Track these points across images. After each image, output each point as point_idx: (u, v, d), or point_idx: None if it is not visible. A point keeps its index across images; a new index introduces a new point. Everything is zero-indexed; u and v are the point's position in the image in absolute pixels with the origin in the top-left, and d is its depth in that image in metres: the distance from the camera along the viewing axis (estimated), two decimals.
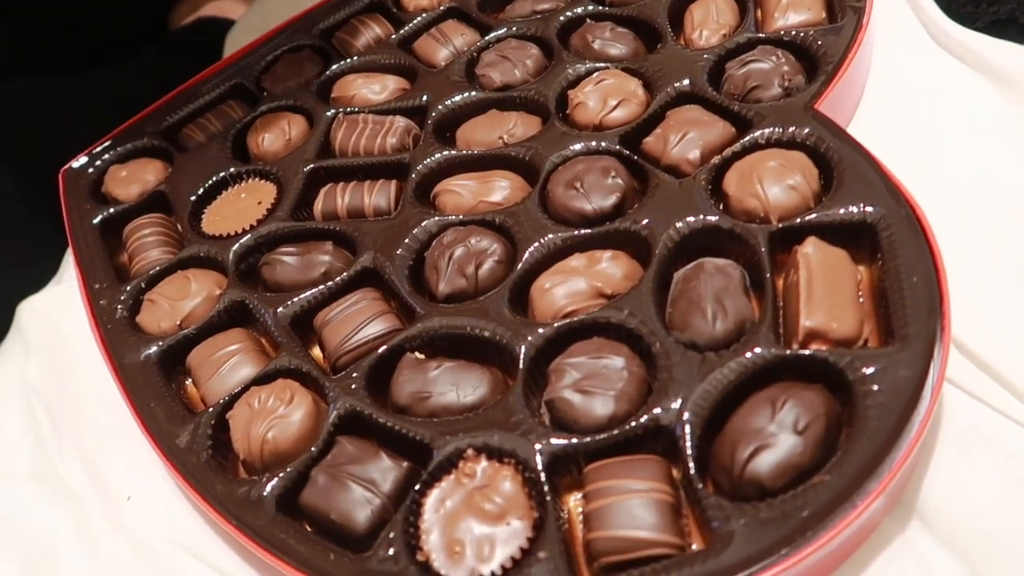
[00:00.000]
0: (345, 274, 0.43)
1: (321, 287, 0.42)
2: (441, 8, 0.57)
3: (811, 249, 0.36)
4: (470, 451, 0.34)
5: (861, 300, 0.35)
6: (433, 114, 0.50)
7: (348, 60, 0.56)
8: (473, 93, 0.50)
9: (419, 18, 0.57)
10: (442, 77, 0.52)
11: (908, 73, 0.46)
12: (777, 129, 0.41)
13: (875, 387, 0.31)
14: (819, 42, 0.44)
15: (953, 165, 0.41)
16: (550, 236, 0.41)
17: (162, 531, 0.38)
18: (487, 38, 0.53)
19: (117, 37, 0.77)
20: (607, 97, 0.46)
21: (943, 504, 0.31)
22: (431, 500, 0.33)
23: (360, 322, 0.40)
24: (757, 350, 0.33)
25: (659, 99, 0.45)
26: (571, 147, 0.44)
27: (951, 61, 0.45)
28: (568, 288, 0.39)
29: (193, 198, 0.50)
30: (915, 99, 0.45)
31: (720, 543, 0.29)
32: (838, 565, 0.30)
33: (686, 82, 0.46)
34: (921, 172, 0.41)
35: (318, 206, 0.47)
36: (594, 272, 0.39)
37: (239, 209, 0.49)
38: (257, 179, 0.50)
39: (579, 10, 0.53)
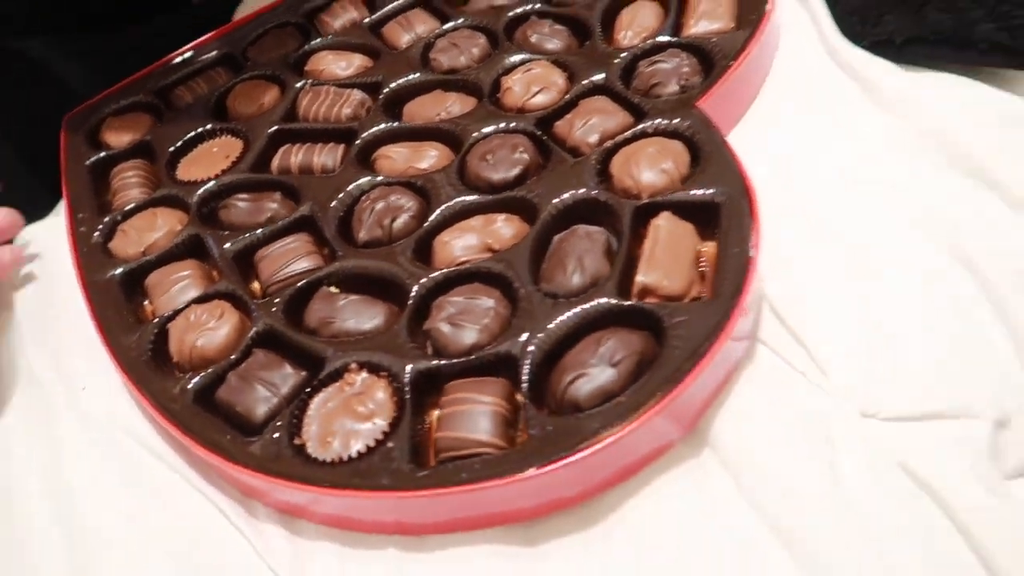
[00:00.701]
0: (286, 220, 0.50)
1: (264, 229, 0.50)
2: None
3: (663, 222, 0.42)
4: (353, 365, 0.41)
5: (703, 267, 0.41)
6: (385, 90, 0.57)
7: (323, 38, 0.63)
8: (419, 74, 0.57)
9: (390, 5, 0.64)
10: (400, 58, 0.59)
11: (800, 81, 0.51)
12: (662, 121, 0.47)
13: (681, 332, 0.37)
14: (718, 47, 0.50)
15: (818, 162, 0.47)
16: (457, 199, 0.47)
17: (110, 416, 0.46)
18: (444, 27, 0.60)
19: (136, 4, 0.82)
20: (531, 84, 0.53)
21: (731, 436, 0.37)
22: (316, 401, 0.40)
23: (289, 259, 0.47)
24: (599, 300, 0.40)
25: (575, 89, 0.52)
26: (493, 125, 0.51)
27: (838, 74, 0.51)
28: (463, 242, 0.45)
29: (172, 149, 0.57)
30: (801, 104, 0.50)
31: (527, 444, 0.35)
32: (628, 476, 0.36)
33: (601, 76, 0.52)
34: (784, 166, 0.47)
35: (275, 162, 0.54)
36: (488, 231, 0.45)
37: (210, 161, 0.56)
38: (229, 136, 0.57)
39: (527, 7, 0.59)
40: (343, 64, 0.61)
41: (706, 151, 0.45)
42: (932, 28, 0.48)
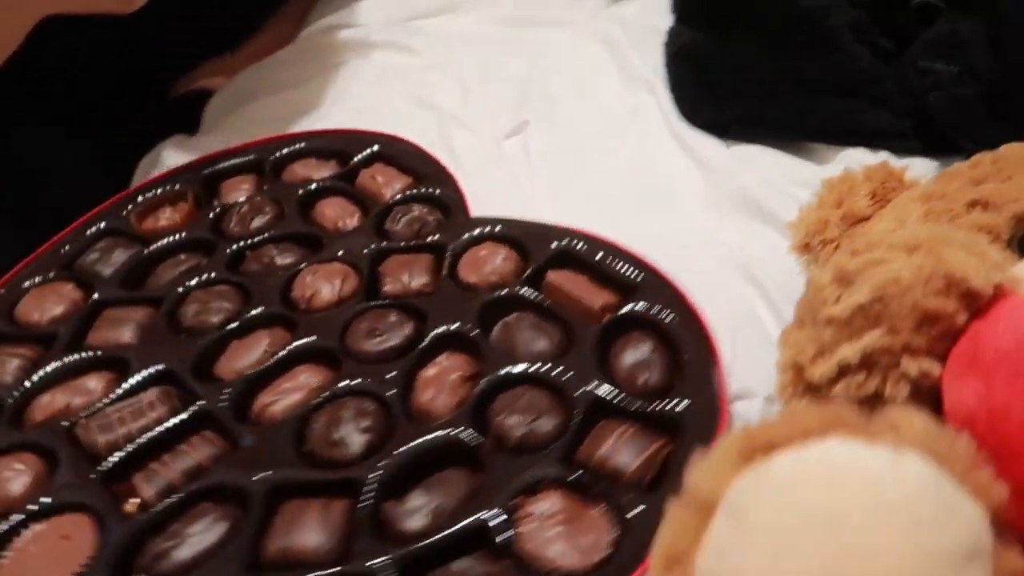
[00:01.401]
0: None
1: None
2: None
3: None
4: None
5: None
6: None
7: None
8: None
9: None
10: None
11: (647, 156, 0.65)
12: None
13: None
14: None
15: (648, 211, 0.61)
16: None
17: None
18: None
19: (123, 101, 0.93)
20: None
21: None
22: None
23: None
24: None
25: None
26: None
27: (677, 150, 0.65)
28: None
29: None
30: (646, 176, 0.64)
31: None
32: None
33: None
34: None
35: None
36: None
37: None
38: None
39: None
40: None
41: None
42: (738, 114, 0.63)
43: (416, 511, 0.42)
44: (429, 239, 0.58)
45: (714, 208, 0.59)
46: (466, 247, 0.57)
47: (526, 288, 0.53)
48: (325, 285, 0.55)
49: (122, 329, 0.54)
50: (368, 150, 0.69)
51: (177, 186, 0.68)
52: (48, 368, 0.52)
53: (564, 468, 0.42)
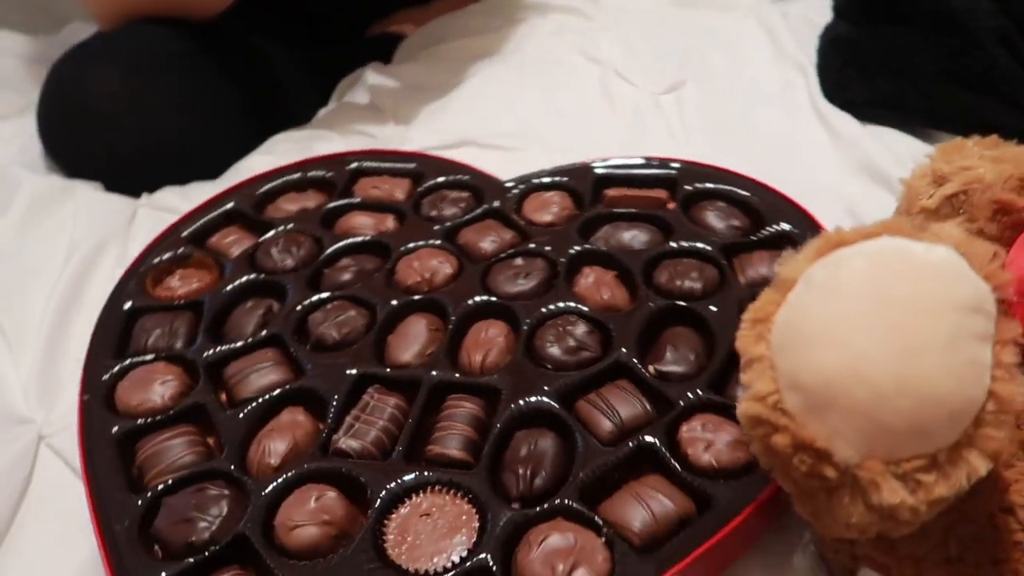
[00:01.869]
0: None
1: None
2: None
3: None
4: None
5: None
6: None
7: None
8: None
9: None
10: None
11: (788, 122, 0.73)
12: None
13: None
14: None
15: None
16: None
17: None
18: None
19: (329, 31, 1.06)
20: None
21: None
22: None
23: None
24: None
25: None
26: None
27: (816, 121, 0.72)
28: None
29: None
30: (785, 139, 0.71)
31: None
32: None
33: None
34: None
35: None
36: None
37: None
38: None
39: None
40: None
41: None
42: (879, 95, 0.70)
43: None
44: (484, 208, 0.63)
45: (840, 170, 0.66)
46: (522, 198, 0.63)
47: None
48: (435, 265, 0.57)
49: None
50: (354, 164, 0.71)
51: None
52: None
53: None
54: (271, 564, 0.41)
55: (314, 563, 0.41)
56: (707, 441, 0.44)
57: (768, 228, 0.57)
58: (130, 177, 0.75)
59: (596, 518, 0.42)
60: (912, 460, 0.30)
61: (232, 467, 0.46)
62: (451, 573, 0.40)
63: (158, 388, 0.50)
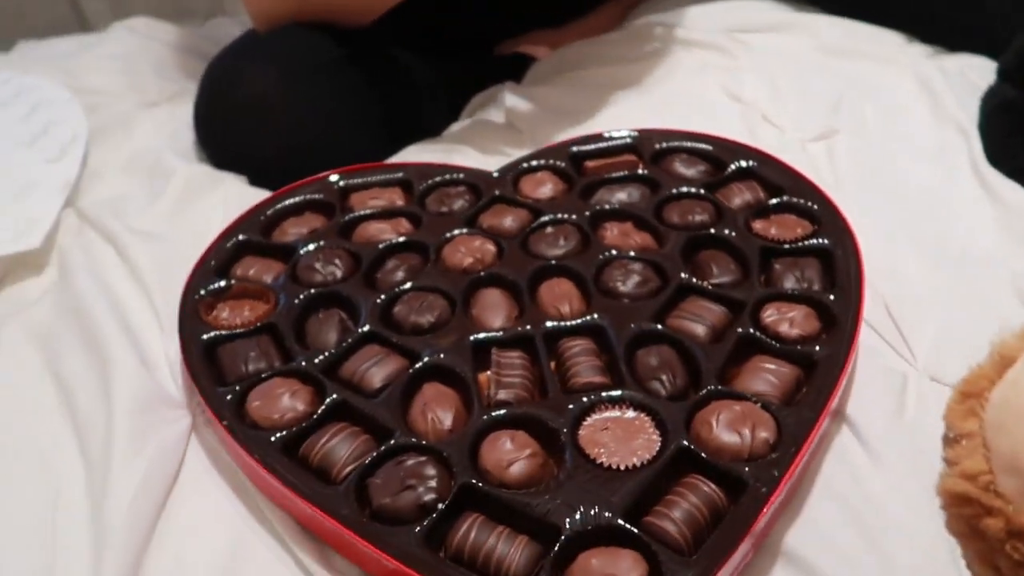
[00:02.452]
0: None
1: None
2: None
3: None
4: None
5: None
6: None
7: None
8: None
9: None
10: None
11: (945, 183, 0.70)
12: None
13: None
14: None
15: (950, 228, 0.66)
16: None
17: None
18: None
19: (455, 49, 1.06)
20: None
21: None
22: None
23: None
24: None
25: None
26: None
27: (975, 184, 0.69)
28: None
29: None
30: (941, 200, 0.69)
31: None
32: None
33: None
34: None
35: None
36: None
37: None
38: None
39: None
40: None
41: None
42: None
43: None
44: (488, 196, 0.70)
45: (1003, 240, 0.63)
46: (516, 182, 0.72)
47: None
48: (480, 246, 0.64)
49: None
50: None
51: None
52: None
53: None
54: (505, 499, 0.46)
55: (541, 490, 0.46)
56: (788, 320, 0.55)
57: (730, 167, 0.70)
58: (275, 174, 0.77)
59: (744, 392, 0.50)
60: None
61: (413, 439, 0.50)
62: (662, 457, 0.47)
63: (288, 401, 0.52)
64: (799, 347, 0.53)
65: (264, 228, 0.68)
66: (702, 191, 0.68)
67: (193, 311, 0.59)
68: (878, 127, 0.76)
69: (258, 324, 0.58)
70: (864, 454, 0.50)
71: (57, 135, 0.78)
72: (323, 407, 0.52)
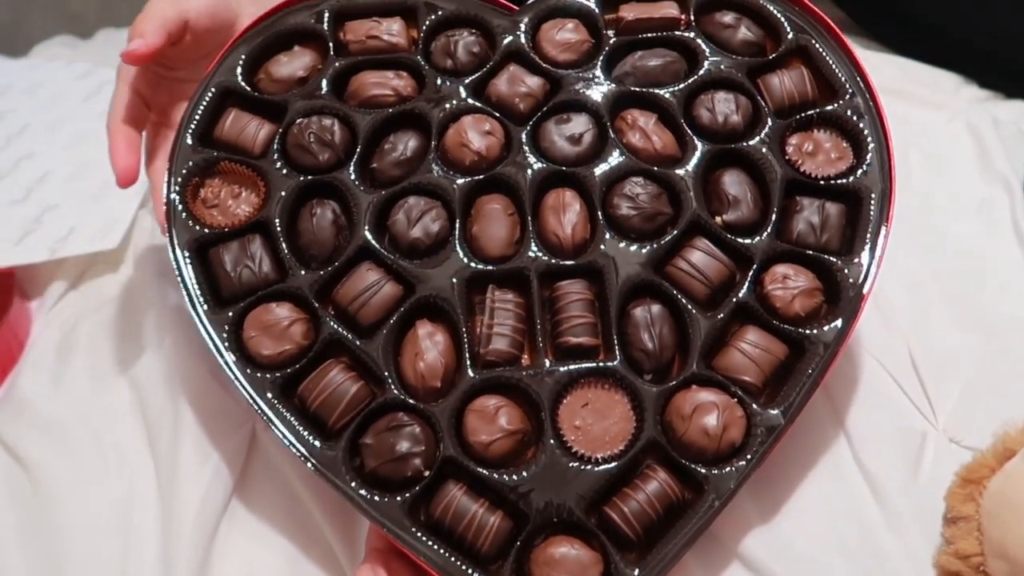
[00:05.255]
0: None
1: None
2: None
3: None
4: None
5: None
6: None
7: None
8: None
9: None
10: None
11: (985, 239, 0.68)
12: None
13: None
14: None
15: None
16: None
17: None
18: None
19: None
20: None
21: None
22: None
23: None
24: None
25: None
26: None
27: (1016, 243, 0.67)
28: None
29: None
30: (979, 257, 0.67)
31: None
32: None
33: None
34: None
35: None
36: None
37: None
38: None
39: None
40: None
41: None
42: None
43: None
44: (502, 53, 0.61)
45: None
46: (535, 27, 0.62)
47: None
48: (483, 137, 0.57)
49: None
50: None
51: None
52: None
53: None
54: (487, 475, 0.49)
55: (519, 468, 0.49)
56: (791, 294, 0.52)
57: (782, 44, 0.60)
58: None
59: (723, 378, 0.51)
60: None
61: (404, 397, 0.51)
62: (631, 451, 0.49)
63: (284, 333, 0.53)
64: (795, 329, 0.52)
65: (250, 66, 0.61)
66: (742, 77, 0.58)
67: (182, 200, 0.56)
68: (919, 176, 0.71)
69: (244, 224, 0.56)
70: (878, 510, 0.52)
71: None
72: (318, 343, 0.53)
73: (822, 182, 0.56)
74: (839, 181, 0.56)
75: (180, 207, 0.56)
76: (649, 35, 0.61)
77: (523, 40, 0.61)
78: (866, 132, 0.57)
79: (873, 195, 0.55)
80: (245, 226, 0.56)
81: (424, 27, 0.62)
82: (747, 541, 0.53)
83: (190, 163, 0.57)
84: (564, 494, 0.49)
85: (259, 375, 0.52)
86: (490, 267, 0.54)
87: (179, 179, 0.57)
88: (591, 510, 0.49)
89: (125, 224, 0.71)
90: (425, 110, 0.59)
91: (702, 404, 0.50)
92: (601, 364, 0.52)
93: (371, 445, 0.50)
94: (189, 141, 0.58)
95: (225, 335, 0.53)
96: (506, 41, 0.61)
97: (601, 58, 0.60)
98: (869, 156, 0.56)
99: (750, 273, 0.54)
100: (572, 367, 0.52)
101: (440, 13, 0.62)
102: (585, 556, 0.47)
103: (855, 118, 0.57)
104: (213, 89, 0.60)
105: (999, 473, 0.34)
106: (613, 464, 0.50)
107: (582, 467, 0.49)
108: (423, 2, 0.63)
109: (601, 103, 0.59)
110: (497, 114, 0.59)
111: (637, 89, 0.59)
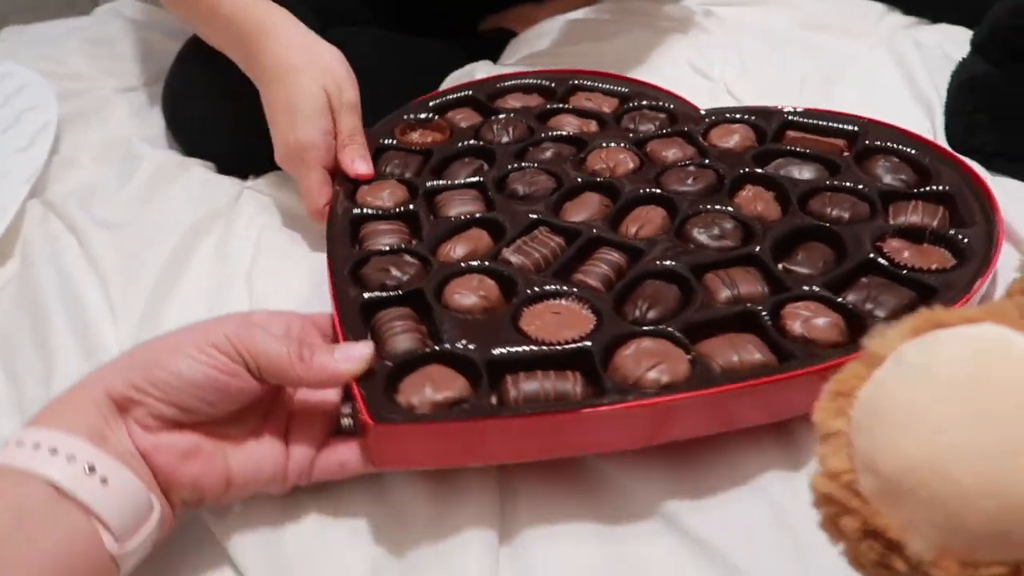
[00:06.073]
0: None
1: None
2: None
3: None
4: None
5: None
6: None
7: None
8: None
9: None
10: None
11: None
12: None
13: None
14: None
15: None
16: None
17: None
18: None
19: (441, 27, 1.03)
20: None
21: None
22: None
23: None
24: None
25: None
26: None
27: None
28: None
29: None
30: None
31: None
32: None
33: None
34: None
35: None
36: None
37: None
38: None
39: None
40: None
41: None
42: (1012, 146, 0.65)
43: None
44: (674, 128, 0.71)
45: None
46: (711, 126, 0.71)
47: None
48: (619, 158, 0.68)
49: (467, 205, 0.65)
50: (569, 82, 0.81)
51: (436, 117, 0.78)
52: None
53: None
54: (435, 310, 0.53)
55: (463, 317, 0.52)
56: (804, 317, 0.50)
57: (932, 186, 0.61)
58: (240, 161, 0.78)
59: (688, 344, 0.49)
60: (992, 566, 0.29)
61: (426, 252, 0.59)
62: (560, 346, 0.50)
63: (386, 195, 0.66)
64: (789, 343, 0.50)
65: (493, 94, 0.80)
66: (868, 191, 0.60)
67: (391, 127, 0.74)
68: (844, 106, 0.74)
69: (418, 147, 0.72)
70: None
71: (29, 123, 0.79)
72: (395, 209, 0.65)
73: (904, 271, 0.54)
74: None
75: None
76: (805, 150, 0.66)
77: (699, 128, 0.71)
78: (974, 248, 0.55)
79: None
80: (418, 149, 0.73)
81: (628, 104, 0.77)
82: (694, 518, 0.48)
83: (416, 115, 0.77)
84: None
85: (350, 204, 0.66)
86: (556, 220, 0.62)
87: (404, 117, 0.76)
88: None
89: (9, 215, 0.69)
90: (588, 138, 0.71)
91: (646, 344, 0.50)
92: (587, 295, 0.54)
93: (375, 261, 0.58)
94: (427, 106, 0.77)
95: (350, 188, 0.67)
96: (685, 127, 0.72)
97: (754, 152, 0.67)
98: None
99: (777, 297, 0.53)
100: (563, 287, 0.55)
101: (645, 100, 0.76)
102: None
103: (966, 240, 0.56)
104: (463, 94, 0.81)
105: (869, 381, 0.31)
106: None
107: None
108: (641, 92, 0.78)
109: (731, 172, 0.65)
110: (641, 156, 0.69)
111: (767, 172, 0.64)
